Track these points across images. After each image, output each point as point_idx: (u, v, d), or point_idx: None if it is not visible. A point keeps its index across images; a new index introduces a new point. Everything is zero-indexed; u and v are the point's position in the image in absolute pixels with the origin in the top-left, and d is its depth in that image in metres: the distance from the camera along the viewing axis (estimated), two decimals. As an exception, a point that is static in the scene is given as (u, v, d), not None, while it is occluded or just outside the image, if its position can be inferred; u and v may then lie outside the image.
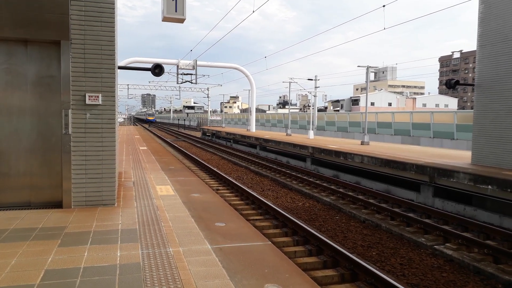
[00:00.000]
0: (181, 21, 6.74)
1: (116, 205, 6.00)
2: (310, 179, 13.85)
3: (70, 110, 5.65)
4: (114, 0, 5.81)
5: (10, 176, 5.66)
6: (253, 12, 14.71)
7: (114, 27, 5.80)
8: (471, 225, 8.40)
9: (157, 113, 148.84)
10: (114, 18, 5.79)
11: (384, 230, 8.41)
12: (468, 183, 9.66)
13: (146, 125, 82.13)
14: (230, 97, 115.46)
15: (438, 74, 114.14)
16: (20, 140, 5.67)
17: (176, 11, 6.46)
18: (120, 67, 8.99)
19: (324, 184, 13.03)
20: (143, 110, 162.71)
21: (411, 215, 9.10)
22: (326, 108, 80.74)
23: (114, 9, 5.79)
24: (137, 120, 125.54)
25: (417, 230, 8.30)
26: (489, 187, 9.08)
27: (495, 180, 8.98)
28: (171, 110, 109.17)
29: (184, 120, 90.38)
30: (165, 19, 6.65)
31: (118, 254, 4.02)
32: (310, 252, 6.75)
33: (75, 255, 3.95)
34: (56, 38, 5.56)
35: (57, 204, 5.78)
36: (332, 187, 12.52)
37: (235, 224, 5.26)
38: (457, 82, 12.81)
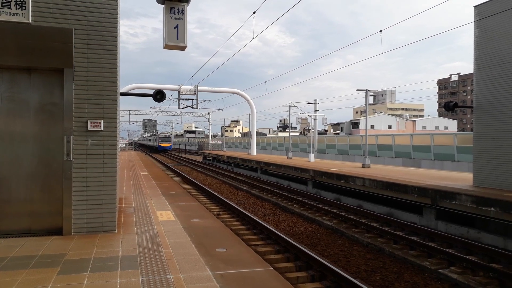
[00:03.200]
0: (183, 48, 6.86)
1: (116, 231, 5.96)
2: (312, 203, 13.77)
3: (72, 137, 5.70)
4: (117, 29, 5.94)
5: (11, 203, 5.65)
6: (253, 38, 14.99)
7: (116, 55, 5.92)
8: (475, 248, 8.29)
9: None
10: (116, 45, 5.91)
11: (387, 254, 8.30)
12: (470, 205, 9.59)
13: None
14: (231, 121, 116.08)
15: (437, 96, 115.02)
16: (21, 166, 5.69)
17: (177, 38, 6.59)
18: (122, 94, 9.09)
19: (326, 207, 12.95)
20: (145, 136, 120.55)
21: (414, 238, 8.99)
22: (326, 131, 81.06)
23: (116, 37, 5.92)
24: (141, 147, 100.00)
25: (421, 253, 8.19)
26: (492, 209, 9.01)
27: (497, 202, 8.93)
28: (173, 135, 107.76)
29: (185, 144, 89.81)
30: (166, 46, 6.77)
31: (118, 281, 3.97)
32: (312, 277, 6.65)
33: (74, 283, 3.90)
34: (60, 66, 5.66)
35: (57, 231, 5.74)
36: (334, 210, 12.42)
37: (236, 250, 5.21)
38: (456, 105, 12.90)
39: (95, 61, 5.77)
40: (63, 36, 5.60)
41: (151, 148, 78.35)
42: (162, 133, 72.60)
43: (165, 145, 65.70)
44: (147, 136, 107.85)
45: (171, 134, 74.65)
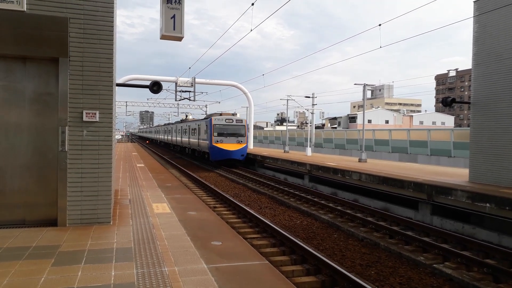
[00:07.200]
0: (179, 39, 6.80)
1: (111, 223, 5.92)
2: (308, 197, 13.77)
3: (67, 127, 5.64)
4: (113, 18, 5.86)
5: (5, 193, 5.60)
6: (251, 30, 14.90)
7: (112, 45, 5.84)
8: (470, 244, 8.32)
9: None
10: (112, 35, 5.83)
11: (383, 248, 8.32)
12: (466, 201, 9.61)
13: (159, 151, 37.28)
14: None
15: (434, 92, 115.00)
16: (16, 157, 5.63)
17: (174, 29, 6.53)
18: (118, 84, 9.02)
19: (322, 201, 12.96)
20: (149, 126, 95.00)
21: (409, 233, 9.02)
22: (323, 125, 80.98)
23: (113, 27, 5.84)
24: (139, 141, 71.64)
25: (416, 248, 8.21)
26: (487, 205, 9.04)
27: (493, 198, 8.95)
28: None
29: None
30: (163, 37, 6.72)
31: (113, 273, 3.94)
32: (308, 271, 6.65)
33: (68, 275, 3.87)
34: (55, 55, 5.58)
35: (52, 222, 5.70)
36: (330, 204, 12.44)
37: (231, 243, 5.19)
38: (453, 100, 12.90)
39: (90, 50, 5.69)
40: (58, 25, 5.51)
41: (182, 150, 37.31)
42: (221, 113, 28.14)
43: (229, 147, 25.08)
44: (164, 125, 55.25)
45: (244, 121, 27.44)
